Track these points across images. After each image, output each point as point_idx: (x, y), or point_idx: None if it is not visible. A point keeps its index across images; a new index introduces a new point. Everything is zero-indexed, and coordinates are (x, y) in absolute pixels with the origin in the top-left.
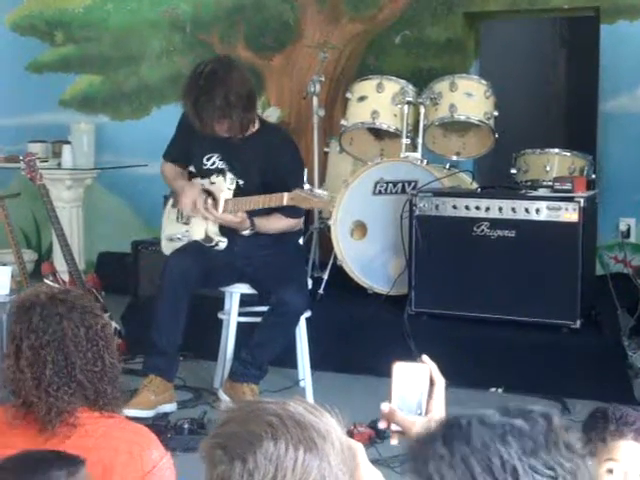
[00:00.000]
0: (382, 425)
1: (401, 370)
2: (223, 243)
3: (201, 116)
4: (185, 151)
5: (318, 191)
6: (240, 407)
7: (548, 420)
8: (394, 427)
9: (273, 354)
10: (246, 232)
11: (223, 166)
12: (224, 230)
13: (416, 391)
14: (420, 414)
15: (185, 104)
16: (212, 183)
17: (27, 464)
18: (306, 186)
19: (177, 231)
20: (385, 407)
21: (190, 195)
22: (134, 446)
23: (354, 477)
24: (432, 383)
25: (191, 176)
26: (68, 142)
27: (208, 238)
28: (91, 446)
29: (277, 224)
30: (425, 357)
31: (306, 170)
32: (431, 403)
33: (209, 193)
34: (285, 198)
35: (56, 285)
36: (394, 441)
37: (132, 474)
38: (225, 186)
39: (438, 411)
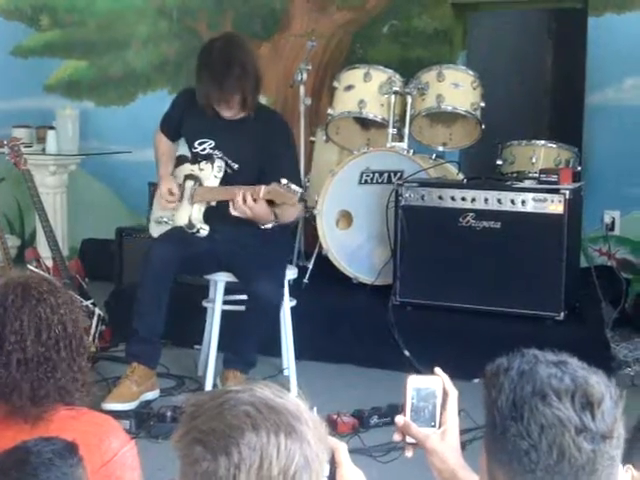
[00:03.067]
0: (397, 438)
1: (414, 382)
2: (204, 230)
3: (221, 84)
4: (176, 128)
5: (293, 186)
6: (208, 399)
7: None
8: (409, 439)
9: (256, 344)
10: (269, 225)
11: (213, 152)
12: (210, 217)
13: (430, 403)
14: (434, 426)
15: (202, 76)
16: (201, 169)
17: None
18: (283, 180)
19: (164, 214)
20: (400, 420)
21: (165, 186)
22: (91, 437)
23: (339, 473)
24: (445, 395)
25: (181, 160)
26: (53, 127)
27: (190, 224)
28: None
29: (291, 212)
30: (438, 369)
31: None
32: (445, 415)
33: (196, 179)
34: (262, 191)
35: (39, 271)
36: (409, 453)
37: (90, 465)
38: (212, 174)
39: (452, 423)
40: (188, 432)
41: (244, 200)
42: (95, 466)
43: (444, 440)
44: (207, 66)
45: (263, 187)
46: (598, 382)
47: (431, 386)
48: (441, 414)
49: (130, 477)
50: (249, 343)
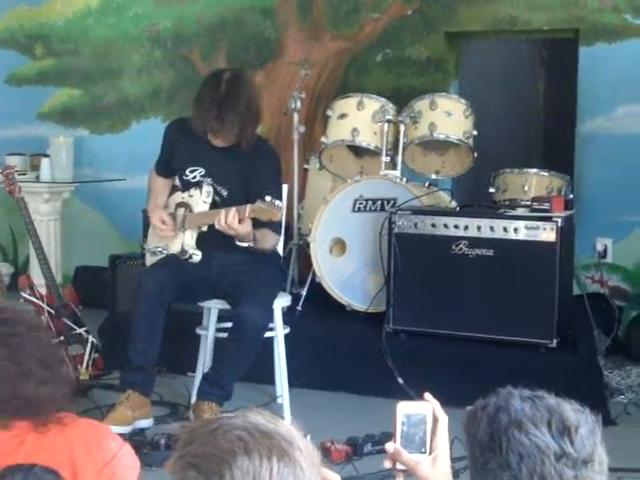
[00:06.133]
0: (387, 465)
1: (404, 409)
2: (197, 256)
3: (222, 118)
4: (168, 167)
5: (277, 202)
6: (202, 425)
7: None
8: (399, 466)
9: (237, 373)
10: (245, 244)
11: (202, 179)
12: (204, 244)
13: (420, 429)
14: (424, 452)
15: (204, 103)
16: (190, 196)
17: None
18: (267, 198)
19: (159, 244)
20: (390, 447)
21: (156, 217)
22: (90, 438)
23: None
24: (435, 420)
25: (173, 190)
26: (47, 155)
27: (183, 251)
28: (49, 447)
29: (269, 240)
30: (427, 395)
31: (286, 186)
32: (435, 441)
33: (187, 206)
34: (247, 210)
35: (33, 299)
36: None
37: (92, 465)
38: (201, 200)
39: (443, 449)
40: (182, 457)
41: (225, 220)
42: (98, 466)
43: (435, 466)
44: (212, 97)
45: (248, 206)
46: (573, 409)
47: (421, 412)
48: (431, 440)
49: (131, 476)
50: (229, 371)
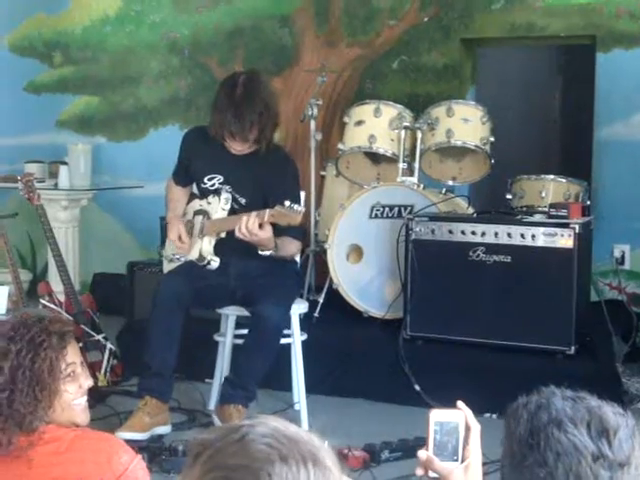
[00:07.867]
0: (419, 472)
1: (437, 416)
2: (215, 262)
3: (242, 117)
4: (186, 175)
5: (295, 206)
6: (222, 436)
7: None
8: (431, 474)
9: (257, 374)
10: (267, 252)
11: (221, 186)
12: (222, 250)
13: (452, 437)
14: (457, 460)
15: (222, 105)
16: (209, 203)
17: None
18: (286, 202)
19: (176, 251)
20: (422, 455)
21: (174, 232)
22: (100, 454)
23: None
24: (468, 429)
25: (191, 197)
26: (65, 163)
27: (201, 257)
28: (57, 462)
29: (290, 247)
30: (460, 403)
31: (303, 193)
32: (467, 449)
33: (205, 213)
34: (267, 215)
35: (52, 305)
36: None
37: None
38: (219, 207)
39: (475, 457)
40: (210, 471)
41: (246, 225)
42: None
43: (467, 475)
44: (230, 97)
45: (267, 210)
46: (614, 412)
47: (454, 420)
48: (464, 448)
49: None
50: (250, 372)
